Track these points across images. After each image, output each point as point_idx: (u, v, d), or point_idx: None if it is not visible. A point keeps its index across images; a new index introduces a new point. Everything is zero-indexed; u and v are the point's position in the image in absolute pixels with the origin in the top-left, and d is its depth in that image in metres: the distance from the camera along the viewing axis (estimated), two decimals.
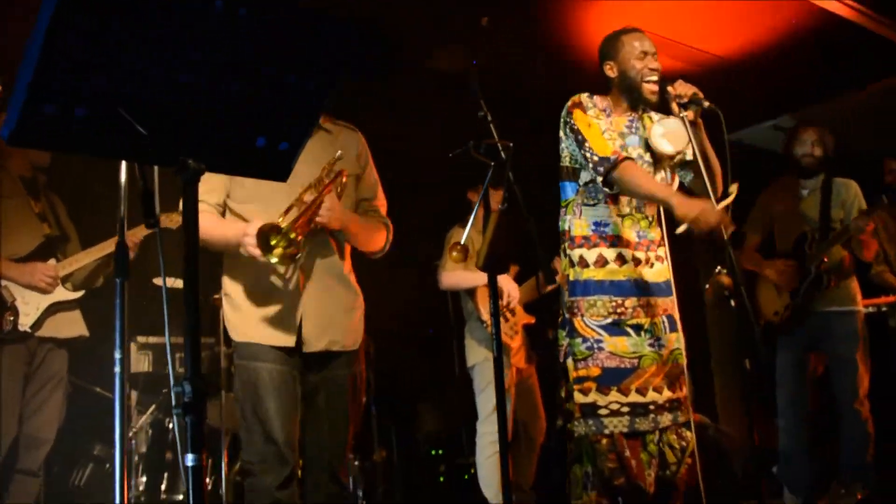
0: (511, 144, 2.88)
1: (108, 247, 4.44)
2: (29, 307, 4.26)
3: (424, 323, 6.21)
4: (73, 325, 4.48)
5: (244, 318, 3.35)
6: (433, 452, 6.71)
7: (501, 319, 5.24)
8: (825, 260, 5.00)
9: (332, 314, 3.41)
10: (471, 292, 5.33)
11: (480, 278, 5.30)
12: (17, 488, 4.18)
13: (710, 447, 5.20)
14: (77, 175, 5.11)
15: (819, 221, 5.15)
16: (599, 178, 3.58)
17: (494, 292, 2.91)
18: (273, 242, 3.05)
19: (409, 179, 6.42)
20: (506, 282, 5.28)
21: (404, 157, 5.86)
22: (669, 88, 3.65)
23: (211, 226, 3.25)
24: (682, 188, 3.96)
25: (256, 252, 3.05)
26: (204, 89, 1.93)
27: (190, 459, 1.86)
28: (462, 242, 3.07)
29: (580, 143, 3.64)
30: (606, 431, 3.54)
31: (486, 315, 5.22)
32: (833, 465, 5.13)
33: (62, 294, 4.40)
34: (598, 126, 3.64)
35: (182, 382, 1.85)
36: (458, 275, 5.31)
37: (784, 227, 5.31)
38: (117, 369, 2.19)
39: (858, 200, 5.18)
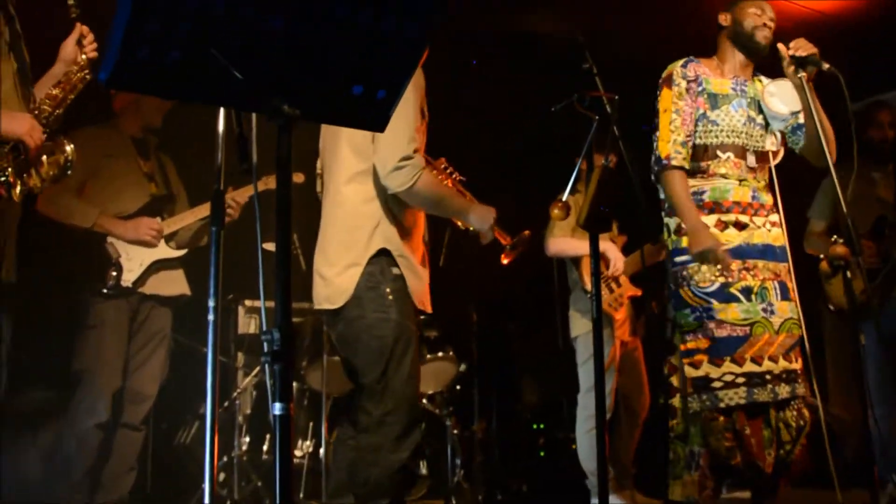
0: (617, 97, 2.77)
1: None
2: (132, 263, 4.30)
3: (529, 293, 6.12)
4: (175, 284, 4.52)
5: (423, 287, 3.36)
6: (534, 426, 6.65)
7: (605, 290, 5.14)
8: None
9: None
10: (576, 261, 5.22)
11: (586, 246, 5.19)
12: (122, 441, 4.27)
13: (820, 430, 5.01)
14: (188, 134, 5.17)
15: (895, 206, 4.92)
16: (652, 175, 3.63)
17: (596, 251, 2.82)
18: None
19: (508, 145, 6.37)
20: (611, 250, 5.16)
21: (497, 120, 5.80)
22: (780, 46, 3.51)
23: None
24: (793, 155, 3.82)
25: None
26: (300, 35, 1.89)
27: (277, 408, 1.83)
28: (564, 199, 2.96)
29: (654, 126, 3.65)
30: (722, 405, 3.41)
31: (589, 284, 5.11)
32: None
33: (166, 252, 4.44)
34: (670, 114, 3.60)
35: (271, 330, 1.82)
36: (564, 241, 5.20)
37: (857, 212, 5.06)
38: (210, 317, 2.16)
39: None
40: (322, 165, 3.54)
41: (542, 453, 6.44)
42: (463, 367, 5.67)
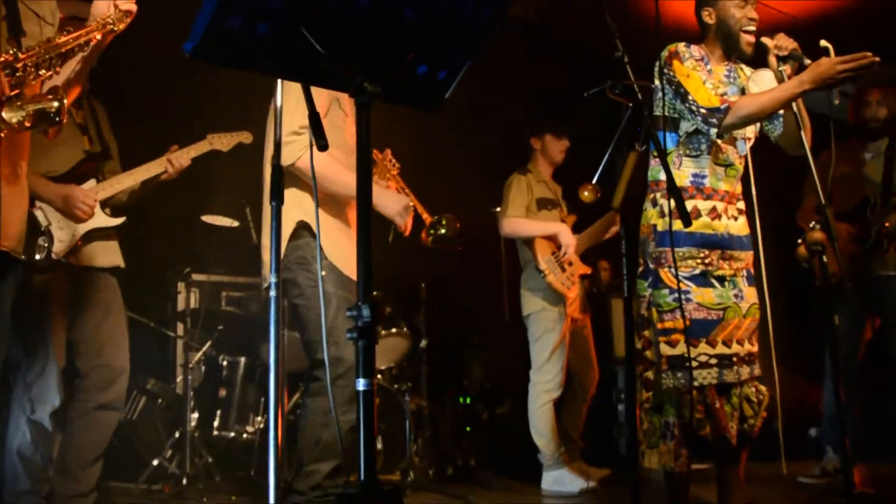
0: (652, 85, 2.84)
1: (155, 168, 4.08)
2: (64, 233, 3.83)
3: (479, 270, 6.19)
4: (109, 255, 4.06)
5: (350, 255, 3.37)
6: (465, 400, 6.71)
7: (558, 269, 5.25)
8: (886, 225, 4.99)
9: None
10: (528, 241, 5.31)
11: (541, 227, 5.30)
12: (97, 423, 3.92)
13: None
14: (118, 82, 4.76)
15: (882, 185, 5.13)
16: (713, 130, 3.56)
17: (628, 233, 2.88)
18: None
19: (468, 126, 6.40)
20: (564, 232, 5.27)
21: (460, 101, 5.82)
22: (765, 40, 3.63)
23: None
24: (767, 141, 3.96)
25: None
26: (383, 14, 1.90)
27: (362, 384, 1.85)
28: (594, 182, 3.03)
29: (682, 95, 3.60)
30: (696, 384, 3.54)
31: (543, 264, 5.20)
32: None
33: (102, 220, 3.99)
34: (699, 76, 3.60)
35: (359, 305, 1.83)
36: (518, 222, 5.30)
37: (844, 191, 5.28)
38: (273, 293, 2.14)
39: None
40: None
41: (491, 428, 6.51)
42: (424, 343, 5.71)
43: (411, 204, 3.63)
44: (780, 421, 3.93)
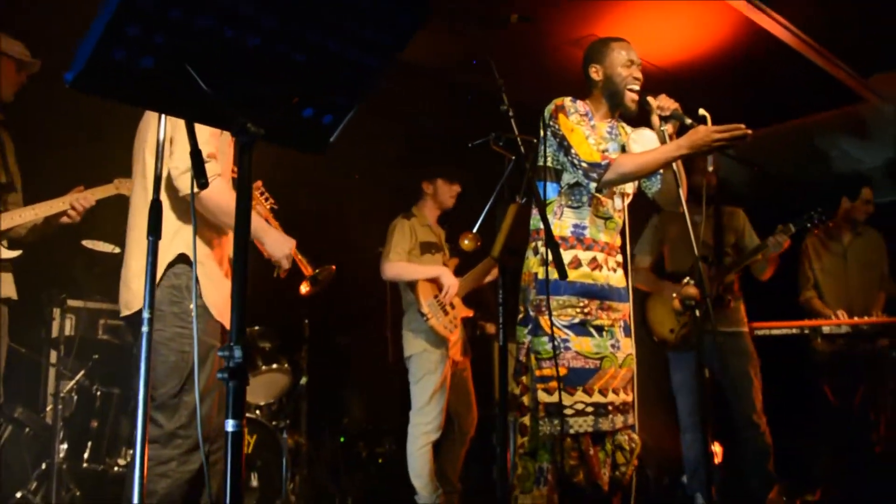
0: (535, 140, 2.91)
1: (58, 205, 4.08)
2: None
3: (363, 309, 6.20)
4: (4, 286, 4.15)
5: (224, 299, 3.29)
6: (363, 441, 6.70)
7: (441, 312, 5.29)
8: (726, 281, 5.21)
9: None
10: (412, 283, 5.36)
11: (423, 271, 5.35)
12: None
13: None
14: (36, 115, 4.80)
15: (714, 246, 5.37)
16: (593, 184, 3.66)
17: (504, 281, 2.93)
18: None
19: (355, 168, 6.44)
20: (446, 275, 5.33)
21: (349, 146, 5.85)
22: (651, 100, 3.76)
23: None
24: (645, 198, 4.09)
25: None
26: (272, 56, 1.91)
27: (231, 425, 1.83)
28: (475, 231, 3.08)
29: (566, 148, 3.71)
30: (571, 431, 3.61)
31: (425, 307, 5.25)
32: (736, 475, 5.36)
33: None
34: (582, 131, 3.71)
35: (231, 346, 1.82)
36: (401, 266, 5.34)
37: (678, 252, 5.51)
38: (145, 328, 2.11)
39: (748, 226, 5.50)
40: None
41: (369, 468, 6.49)
42: (304, 380, 5.67)
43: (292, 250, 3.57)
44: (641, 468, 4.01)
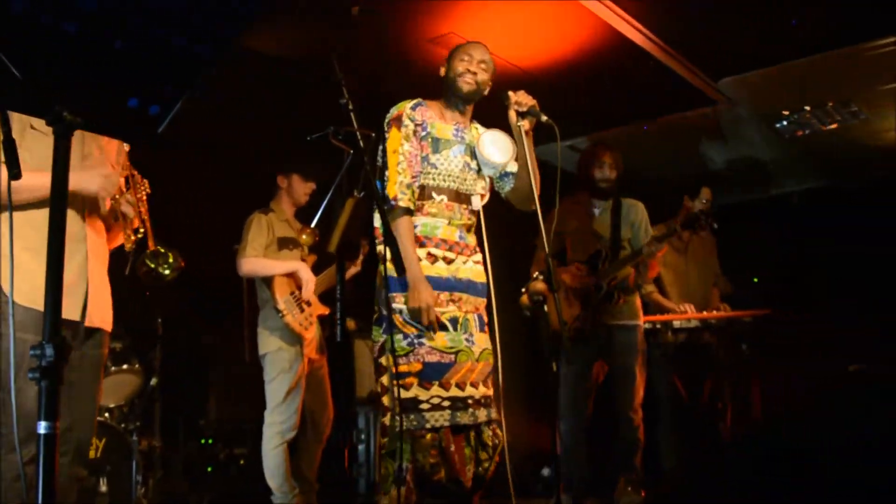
0: (373, 134, 2.90)
1: None
2: None
3: (219, 307, 6.07)
4: None
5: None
6: (206, 441, 6.57)
7: (297, 309, 5.23)
8: (616, 277, 5.31)
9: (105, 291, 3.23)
10: (268, 280, 5.27)
11: (280, 266, 5.27)
12: None
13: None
14: None
15: (610, 240, 5.47)
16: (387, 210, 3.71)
17: (342, 277, 2.91)
18: None
19: (211, 162, 6.30)
20: (304, 271, 5.27)
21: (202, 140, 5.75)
22: (511, 94, 3.81)
23: None
24: (497, 197, 4.14)
25: None
26: (89, 42, 1.85)
27: (43, 427, 1.77)
28: (313, 226, 3.05)
29: (383, 164, 3.79)
30: (428, 426, 3.62)
31: (281, 304, 5.18)
32: (606, 468, 5.45)
33: None
34: (397, 159, 3.77)
35: (43, 344, 1.75)
36: (257, 262, 5.24)
37: (577, 243, 5.58)
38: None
39: (645, 222, 5.56)
40: None
41: (230, 469, 6.37)
42: (154, 381, 5.52)
43: (115, 175, 2.97)
44: (507, 462, 4.04)
